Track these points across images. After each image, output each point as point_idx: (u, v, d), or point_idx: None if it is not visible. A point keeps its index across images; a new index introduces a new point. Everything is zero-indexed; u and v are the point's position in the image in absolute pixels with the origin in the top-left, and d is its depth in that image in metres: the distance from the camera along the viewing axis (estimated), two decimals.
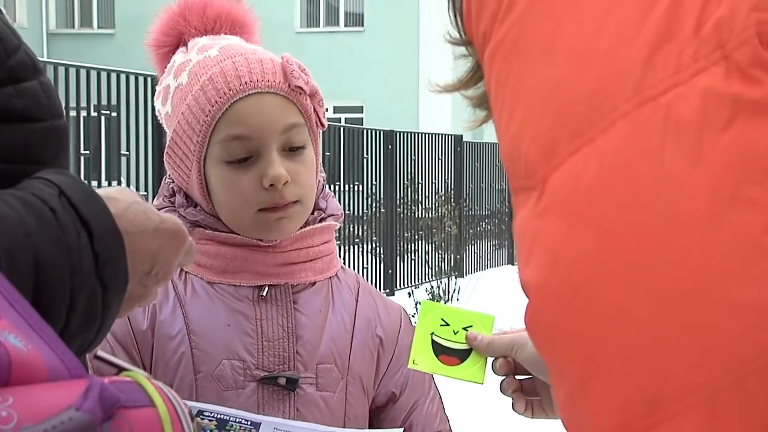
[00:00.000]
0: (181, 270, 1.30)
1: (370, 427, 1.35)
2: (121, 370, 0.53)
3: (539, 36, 0.65)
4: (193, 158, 1.27)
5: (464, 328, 1.15)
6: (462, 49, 0.80)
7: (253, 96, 1.25)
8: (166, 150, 1.32)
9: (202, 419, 1.15)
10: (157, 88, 1.35)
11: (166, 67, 1.35)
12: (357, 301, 1.36)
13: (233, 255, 1.28)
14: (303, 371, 1.27)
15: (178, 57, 1.32)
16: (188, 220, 1.30)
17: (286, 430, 1.15)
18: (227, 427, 1.13)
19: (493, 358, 1.13)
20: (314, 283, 1.32)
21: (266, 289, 1.28)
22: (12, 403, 0.44)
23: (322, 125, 1.32)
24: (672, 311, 0.58)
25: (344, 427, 1.29)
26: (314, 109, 1.30)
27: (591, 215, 0.60)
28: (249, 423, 1.14)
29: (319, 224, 1.33)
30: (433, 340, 1.14)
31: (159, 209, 1.30)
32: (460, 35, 0.79)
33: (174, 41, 1.35)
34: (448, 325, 1.16)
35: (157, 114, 1.37)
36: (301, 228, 1.31)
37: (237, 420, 1.14)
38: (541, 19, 0.65)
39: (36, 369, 0.47)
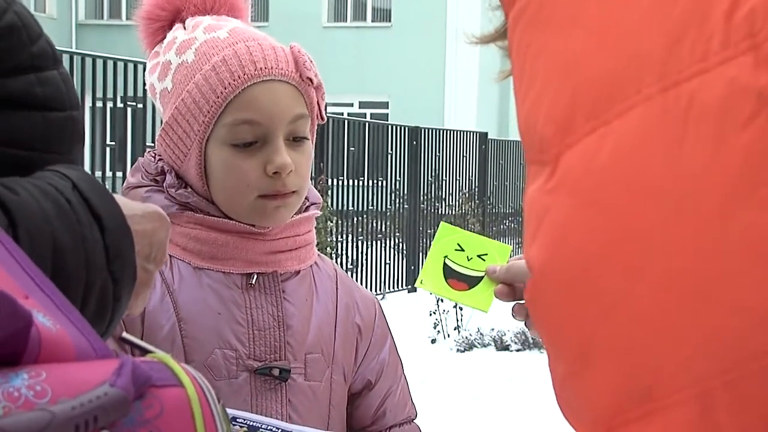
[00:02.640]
0: None
1: (347, 413, 1.36)
2: (146, 352, 0.54)
3: (564, 6, 0.63)
4: (195, 138, 1.26)
5: (479, 256, 1.16)
6: (496, 1, 0.80)
7: (266, 82, 1.25)
8: (162, 127, 1.29)
9: (234, 425, 1.15)
10: (150, 61, 1.33)
11: (156, 43, 1.33)
12: (337, 290, 1.37)
13: (224, 241, 1.27)
14: (293, 361, 1.28)
15: (179, 34, 1.30)
16: (178, 201, 1.28)
17: None
18: None
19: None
20: (299, 272, 1.32)
21: (255, 277, 1.28)
22: (45, 377, 0.45)
23: (322, 118, 1.33)
24: (673, 304, 0.58)
25: (328, 416, 1.31)
26: (317, 102, 1.31)
27: (602, 198, 0.59)
28: (280, 431, 1.15)
29: (305, 213, 1.34)
30: (445, 264, 1.15)
31: (137, 187, 1.29)
32: None
33: (169, 17, 1.33)
34: (463, 250, 1.17)
35: (148, 88, 1.34)
36: None
37: (268, 428, 1.14)
38: None
39: (65, 348, 0.48)
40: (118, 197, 0.71)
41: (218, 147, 1.26)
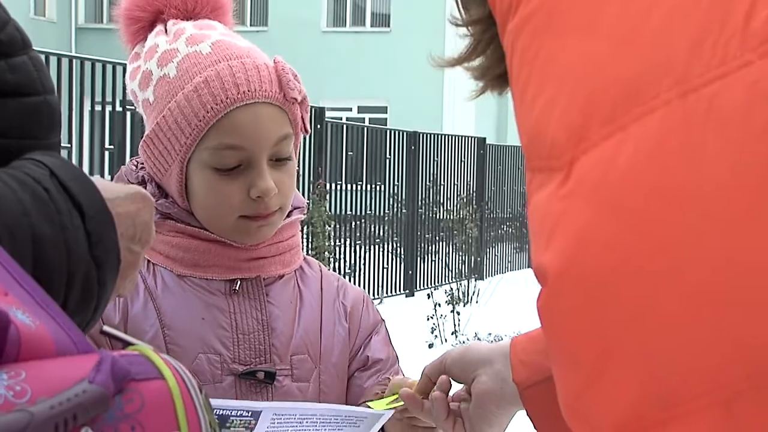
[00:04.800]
0: (149, 262, 1.29)
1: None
2: (127, 344, 0.53)
3: (580, 11, 0.62)
4: (177, 157, 1.25)
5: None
6: (463, 30, 0.77)
7: (249, 106, 1.23)
8: (144, 139, 1.28)
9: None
10: (130, 65, 1.32)
11: (136, 42, 1.31)
12: (322, 289, 1.37)
13: (205, 249, 1.27)
14: (279, 363, 1.28)
15: (161, 41, 1.28)
16: (159, 212, 1.27)
17: (285, 414, 1.15)
18: (227, 424, 1.12)
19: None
20: (282, 276, 1.32)
21: (238, 282, 1.28)
22: (25, 377, 0.44)
23: (306, 131, 1.31)
24: (700, 310, 0.56)
25: None
26: (301, 116, 1.29)
27: (623, 204, 0.58)
28: (249, 414, 1.13)
29: (288, 219, 1.33)
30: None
31: None
32: (461, 14, 0.76)
33: (150, 17, 1.31)
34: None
35: (129, 93, 1.33)
36: None
37: (237, 414, 1.13)
38: None
39: (45, 344, 0.47)
40: (99, 180, 0.71)
41: (200, 169, 1.25)
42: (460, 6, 0.78)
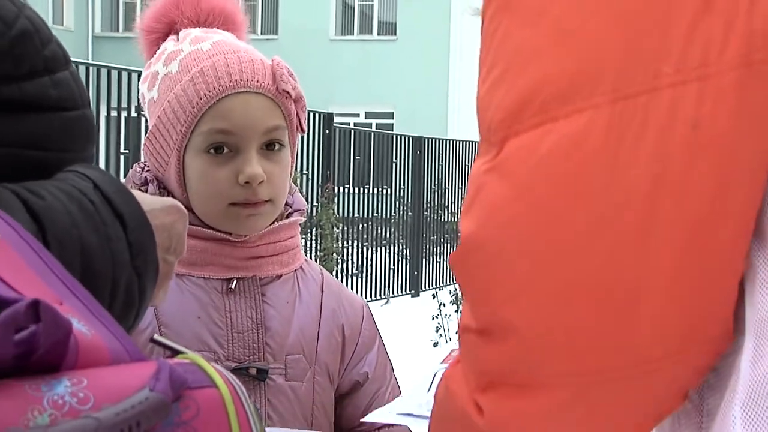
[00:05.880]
0: None
1: (335, 414, 1.35)
2: (176, 353, 0.54)
3: None
4: (174, 146, 1.26)
5: None
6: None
7: (241, 94, 1.25)
8: (147, 136, 1.30)
9: None
10: (144, 72, 1.34)
11: (153, 53, 1.34)
12: (322, 293, 1.36)
13: (203, 248, 1.28)
14: (272, 362, 1.27)
15: (169, 45, 1.31)
16: None
17: None
18: None
19: None
20: (280, 276, 1.32)
21: (234, 282, 1.28)
22: (87, 384, 0.45)
23: (302, 130, 1.32)
24: (571, 298, 0.60)
25: (312, 416, 1.30)
26: (297, 114, 1.30)
27: (532, 188, 0.61)
28: None
29: (286, 220, 1.33)
30: None
31: None
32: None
33: (165, 29, 1.34)
34: None
35: (140, 98, 1.35)
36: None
37: None
38: None
39: (100, 352, 0.48)
40: (137, 193, 0.72)
41: (195, 155, 1.26)
42: None
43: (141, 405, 0.44)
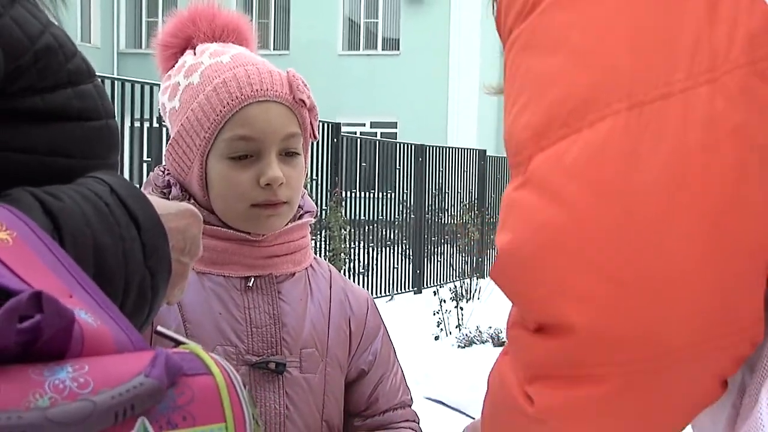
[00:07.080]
0: None
1: (344, 400, 1.35)
2: (178, 343, 0.54)
3: (550, 33, 0.66)
4: (197, 152, 1.26)
5: None
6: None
7: (262, 103, 1.26)
8: (170, 142, 1.30)
9: None
10: (164, 83, 1.34)
11: (170, 67, 1.34)
12: (330, 288, 1.36)
13: (223, 248, 1.28)
14: (288, 356, 1.27)
15: (189, 59, 1.31)
16: None
17: None
18: None
19: None
20: (294, 274, 1.32)
21: (252, 279, 1.28)
22: (88, 370, 0.45)
23: (314, 137, 1.33)
24: (609, 291, 0.59)
25: (324, 404, 1.30)
26: (310, 122, 1.31)
27: (561, 193, 0.61)
28: None
29: (299, 221, 1.33)
30: None
31: None
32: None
33: (182, 44, 1.34)
34: None
35: (160, 108, 1.36)
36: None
37: None
38: (555, 18, 0.65)
39: (105, 342, 0.48)
40: (153, 198, 0.72)
41: (217, 160, 1.26)
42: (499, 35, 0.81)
43: (136, 389, 0.44)
